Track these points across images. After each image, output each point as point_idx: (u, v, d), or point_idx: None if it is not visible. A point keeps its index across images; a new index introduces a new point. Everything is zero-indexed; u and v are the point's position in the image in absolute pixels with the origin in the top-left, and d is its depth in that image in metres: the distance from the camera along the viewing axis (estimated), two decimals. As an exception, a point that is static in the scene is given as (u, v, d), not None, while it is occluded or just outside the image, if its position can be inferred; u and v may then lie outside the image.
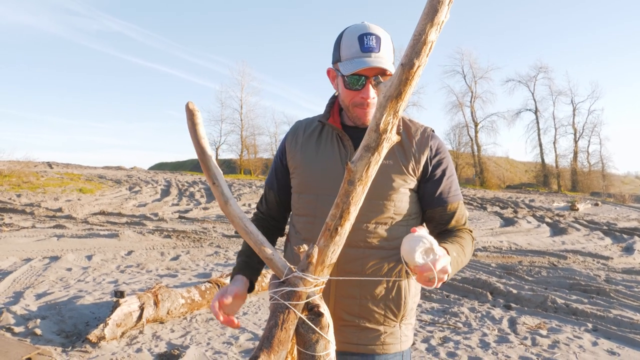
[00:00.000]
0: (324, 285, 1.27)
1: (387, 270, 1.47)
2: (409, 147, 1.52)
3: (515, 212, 18.34)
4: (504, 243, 10.93)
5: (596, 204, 24.81)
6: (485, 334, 4.64)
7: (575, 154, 47.10)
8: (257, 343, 3.00)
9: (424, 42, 1.10)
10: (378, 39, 1.44)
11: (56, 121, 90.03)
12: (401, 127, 1.51)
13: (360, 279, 1.44)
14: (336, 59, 1.52)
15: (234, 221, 1.27)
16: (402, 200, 1.49)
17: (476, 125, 48.07)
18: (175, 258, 8.02)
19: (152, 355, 3.92)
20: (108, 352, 3.90)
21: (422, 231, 1.25)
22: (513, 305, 5.61)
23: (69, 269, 6.84)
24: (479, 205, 20.93)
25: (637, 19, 79.35)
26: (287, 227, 1.78)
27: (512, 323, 4.99)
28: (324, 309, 1.22)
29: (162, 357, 3.90)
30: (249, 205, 17.91)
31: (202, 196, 19.64)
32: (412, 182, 1.52)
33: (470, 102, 48.11)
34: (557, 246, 10.86)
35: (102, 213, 13.89)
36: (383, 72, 1.43)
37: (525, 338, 4.56)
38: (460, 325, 4.91)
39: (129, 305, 4.36)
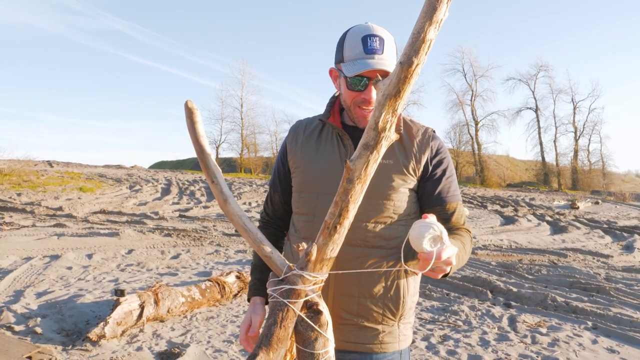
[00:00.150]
0: (322, 284, 1.27)
1: (386, 269, 1.47)
2: (410, 147, 1.53)
3: (516, 210, 18.34)
4: (504, 241, 10.93)
5: (596, 203, 24.80)
6: (485, 332, 4.65)
7: (576, 152, 47.09)
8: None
9: (423, 40, 1.10)
10: (382, 40, 1.44)
11: (56, 120, 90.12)
12: (401, 126, 1.51)
13: (359, 271, 1.44)
14: (339, 59, 1.51)
15: (233, 219, 1.28)
16: (401, 199, 1.50)
17: (476, 123, 48.06)
18: (176, 257, 8.03)
19: (152, 353, 3.93)
20: (108, 350, 3.91)
21: (433, 218, 1.22)
22: (513, 303, 5.62)
23: (70, 268, 6.85)
24: (480, 204, 20.92)
25: (638, 17, 79.28)
26: None
27: (512, 321, 4.99)
28: (323, 306, 1.23)
29: (162, 355, 3.90)
30: (249, 204, 17.92)
31: (202, 195, 19.64)
32: (412, 182, 1.52)
33: (471, 100, 48.10)
34: (558, 244, 10.87)
35: (103, 212, 13.89)
36: (386, 74, 1.42)
37: (525, 336, 4.57)
38: (460, 323, 4.92)
39: (129, 304, 4.36)
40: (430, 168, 1.54)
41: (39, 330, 4.21)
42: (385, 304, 1.48)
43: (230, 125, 50.04)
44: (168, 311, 4.71)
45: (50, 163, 32.55)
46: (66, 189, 18.84)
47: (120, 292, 4.62)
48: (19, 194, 16.49)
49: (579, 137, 47.31)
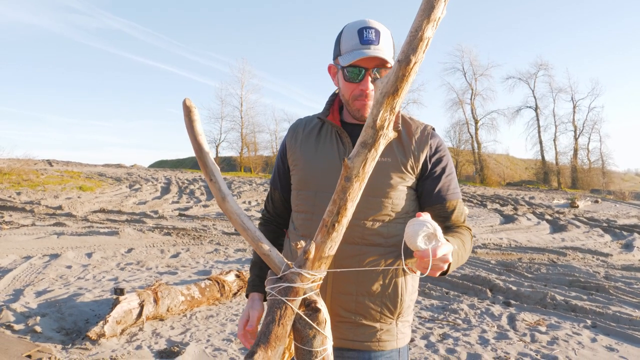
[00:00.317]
0: (321, 282, 1.27)
1: (384, 267, 1.47)
2: (409, 144, 1.53)
3: (515, 209, 18.35)
4: (504, 240, 10.94)
5: (596, 201, 24.81)
6: (484, 331, 4.65)
7: (576, 151, 47.08)
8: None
9: (421, 38, 1.10)
10: (377, 32, 1.45)
11: (56, 119, 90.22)
12: (399, 124, 1.51)
13: (358, 269, 1.45)
14: (336, 53, 1.54)
15: (231, 217, 1.28)
16: (399, 197, 1.49)
17: (476, 122, 48.05)
18: (175, 255, 8.03)
19: (152, 352, 3.93)
20: (108, 349, 3.91)
21: (427, 216, 1.22)
22: (512, 302, 5.62)
23: (69, 267, 6.85)
24: (479, 203, 20.93)
25: (638, 16, 79.24)
26: None
27: (512, 320, 5.00)
28: (321, 304, 1.23)
29: (162, 354, 3.91)
30: (249, 202, 17.92)
31: (202, 194, 19.64)
32: (411, 180, 1.52)
33: (471, 99, 48.09)
34: (557, 243, 10.87)
35: (102, 211, 13.89)
36: (382, 63, 1.45)
37: (525, 334, 4.57)
38: (459, 321, 4.92)
39: (128, 303, 4.37)
40: (430, 166, 1.53)
41: (38, 329, 4.21)
42: (383, 302, 1.48)
43: (230, 124, 50.13)
44: (168, 310, 4.71)
45: (49, 162, 32.55)
46: (66, 188, 18.84)
47: (119, 291, 4.62)
48: (18, 193, 16.48)
49: (579, 135, 47.33)
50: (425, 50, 1.13)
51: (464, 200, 22.14)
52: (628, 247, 10.54)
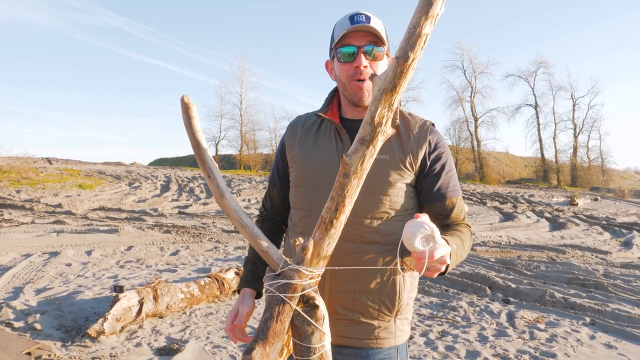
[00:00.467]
0: (319, 278, 1.27)
1: (382, 265, 1.47)
2: (407, 141, 1.52)
3: (515, 207, 18.36)
4: (503, 238, 10.95)
5: (595, 199, 24.81)
6: (483, 328, 4.66)
7: (575, 149, 47.02)
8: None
9: (419, 34, 1.10)
10: (368, 16, 1.50)
11: (55, 117, 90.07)
12: (397, 119, 1.51)
13: (357, 268, 1.45)
14: (331, 45, 1.57)
15: (229, 214, 1.28)
16: (398, 195, 1.49)
17: (476, 120, 47.98)
18: (175, 253, 8.04)
19: (151, 349, 3.94)
20: (107, 346, 3.92)
21: (425, 218, 1.23)
22: (511, 299, 5.63)
23: (69, 265, 6.85)
24: (479, 200, 20.94)
25: (638, 14, 79.16)
26: None
27: (511, 317, 5.00)
28: (320, 301, 1.23)
29: (161, 351, 3.91)
30: (249, 200, 17.92)
31: (201, 192, 19.63)
32: (409, 177, 1.51)
33: (470, 97, 48.00)
34: (556, 241, 10.88)
35: (102, 209, 13.89)
36: (374, 40, 1.49)
37: (524, 332, 4.58)
38: (458, 319, 4.93)
39: (128, 300, 4.37)
40: (429, 163, 1.53)
41: (38, 326, 4.22)
42: (381, 300, 1.47)
43: (230, 122, 50.03)
44: (167, 307, 4.72)
45: (49, 160, 32.53)
46: (65, 186, 18.83)
47: (119, 289, 4.63)
48: (18, 191, 16.48)
49: (579, 133, 47.26)
50: (423, 46, 1.13)
51: (463, 198, 22.01)
52: (627, 244, 10.55)
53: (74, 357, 3.65)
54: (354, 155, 1.20)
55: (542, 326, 4.74)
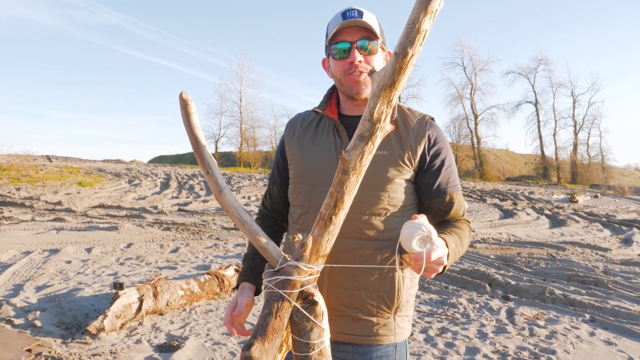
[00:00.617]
0: (318, 275, 1.27)
1: (381, 261, 1.46)
2: (406, 136, 1.51)
3: (515, 204, 18.36)
4: (503, 235, 10.95)
5: (595, 196, 24.82)
6: (483, 325, 4.67)
7: (575, 146, 46.99)
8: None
9: (418, 30, 1.10)
10: (360, 12, 1.50)
11: (55, 115, 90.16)
12: (395, 114, 1.50)
13: (356, 266, 1.44)
14: (326, 42, 1.57)
15: (228, 211, 1.28)
16: (396, 191, 1.48)
17: (476, 117, 47.95)
18: (175, 250, 8.04)
19: (151, 346, 3.94)
20: (107, 343, 3.93)
21: (423, 219, 1.23)
22: (511, 296, 5.64)
23: (69, 262, 6.86)
24: (479, 198, 20.94)
25: (638, 12, 78.98)
26: None
27: (510, 314, 5.01)
28: (319, 297, 1.23)
29: (161, 348, 3.92)
30: (249, 197, 17.92)
31: (201, 189, 19.64)
32: (408, 173, 1.50)
33: (470, 94, 47.96)
34: (556, 238, 10.89)
35: (102, 206, 13.89)
36: (368, 35, 1.49)
37: (523, 328, 4.58)
38: (458, 316, 4.94)
39: (128, 297, 4.38)
40: (428, 159, 1.51)
41: (38, 323, 4.22)
42: (379, 297, 1.47)
43: (229, 120, 50.06)
44: (167, 304, 4.72)
45: (49, 158, 32.52)
46: (65, 184, 18.83)
47: (119, 286, 4.64)
48: (18, 189, 16.48)
49: (579, 130, 47.23)
50: (422, 42, 1.12)
51: (463, 195, 21.98)
52: (627, 241, 10.56)
53: (74, 354, 3.65)
54: (352, 151, 1.19)
55: (541, 323, 4.74)
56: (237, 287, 1.63)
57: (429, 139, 1.52)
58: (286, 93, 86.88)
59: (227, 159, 50.49)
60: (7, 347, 3.58)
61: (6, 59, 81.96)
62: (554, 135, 47.80)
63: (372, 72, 1.20)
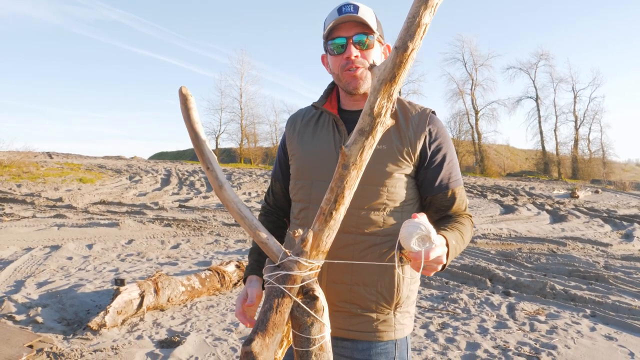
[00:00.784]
0: (319, 270, 1.27)
1: (380, 256, 1.45)
2: (405, 131, 1.49)
3: (516, 199, 18.35)
4: (504, 230, 10.95)
5: (596, 192, 24.79)
6: (484, 320, 4.67)
7: (576, 141, 46.89)
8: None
9: (418, 24, 1.09)
10: (356, 7, 1.49)
11: (56, 111, 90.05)
12: (395, 108, 1.49)
13: (356, 262, 1.44)
14: (323, 38, 1.57)
15: (228, 206, 1.27)
16: (396, 185, 1.47)
17: (477, 113, 47.85)
18: (176, 246, 8.05)
19: (152, 342, 3.95)
20: (109, 339, 3.94)
21: (422, 218, 1.23)
22: (512, 291, 5.64)
23: (70, 258, 6.87)
24: (479, 193, 20.93)
25: (639, 7, 78.64)
26: None
27: (511, 309, 5.02)
28: (319, 292, 1.23)
29: (162, 343, 3.93)
30: (249, 194, 17.92)
31: (202, 185, 19.64)
32: (408, 168, 1.49)
33: (471, 89, 47.85)
34: (557, 233, 10.89)
35: (103, 202, 13.90)
36: (364, 30, 1.48)
37: (524, 324, 4.59)
38: (459, 311, 4.94)
39: (129, 293, 4.38)
40: (429, 154, 1.50)
41: (39, 319, 4.23)
42: (379, 292, 1.46)
43: (230, 116, 50.04)
44: (168, 300, 4.73)
45: (49, 154, 32.53)
46: (66, 180, 18.84)
47: (120, 282, 4.64)
48: (19, 185, 16.49)
49: (580, 126, 47.12)
50: (422, 36, 1.11)
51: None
52: (628, 237, 10.56)
53: (76, 350, 3.66)
54: (353, 146, 1.19)
55: (542, 318, 4.75)
56: (244, 281, 1.61)
57: (430, 134, 1.50)
58: (287, 89, 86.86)
59: (227, 155, 50.48)
60: (9, 343, 3.59)
61: (6, 56, 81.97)
62: (554, 130, 47.72)
63: (372, 67, 1.19)
